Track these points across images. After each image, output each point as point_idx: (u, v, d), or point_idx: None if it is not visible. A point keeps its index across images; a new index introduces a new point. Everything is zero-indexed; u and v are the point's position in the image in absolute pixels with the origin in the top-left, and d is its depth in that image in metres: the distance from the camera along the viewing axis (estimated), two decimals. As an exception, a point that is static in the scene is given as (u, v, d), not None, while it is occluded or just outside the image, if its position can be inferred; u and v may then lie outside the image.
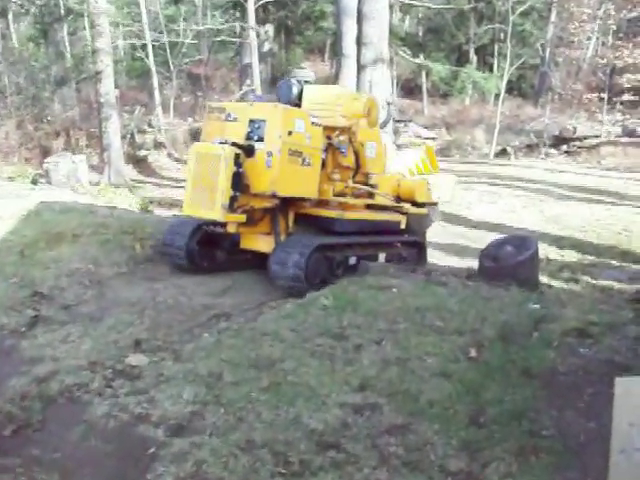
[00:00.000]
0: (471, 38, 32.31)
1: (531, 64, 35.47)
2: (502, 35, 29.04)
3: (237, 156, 5.82)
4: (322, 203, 6.75)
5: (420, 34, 31.80)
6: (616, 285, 9.42)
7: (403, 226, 7.73)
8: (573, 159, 23.20)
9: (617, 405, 3.06)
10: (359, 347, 4.80)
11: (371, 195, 7.36)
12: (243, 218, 6.09)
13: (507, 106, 32.50)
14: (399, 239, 7.61)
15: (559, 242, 11.36)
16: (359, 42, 13.99)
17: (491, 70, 31.17)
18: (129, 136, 20.75)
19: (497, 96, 29.29)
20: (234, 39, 22.33)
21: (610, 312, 5.60)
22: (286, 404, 4.06)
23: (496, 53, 31.84)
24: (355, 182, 7.13)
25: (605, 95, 24.93)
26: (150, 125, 22.63)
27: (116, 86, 18.73)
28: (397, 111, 31.88)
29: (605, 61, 25.53)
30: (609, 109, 25.67)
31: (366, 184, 7.24)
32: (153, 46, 23.81)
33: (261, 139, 5.99)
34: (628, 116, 25.91)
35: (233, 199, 5.87)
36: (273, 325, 5.25)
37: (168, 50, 24.94)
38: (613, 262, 10.48)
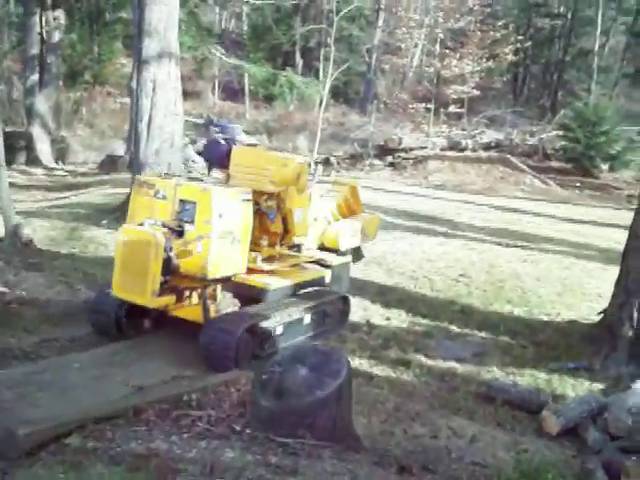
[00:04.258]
0: (296, 40, 29.76)
1: (358, 71, 33.68)
2: (328, 39, 26.60)
3: (167, 241, 5.55)
4: (249, 270, 6.30)
5: (243, 33, 28.71)
6: (459, 368, 6.77)
7: (328, 280, 7.35)
8: (399, 173, 20.95)
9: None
10: None
11: (297, 251, 7.11)
12: (172, 300, 5.88)
13: (332, 113, 30.41)
14: (325, 298, 7.01)
15: (384, 296, 8.55)
16: (140, 30, 10.62)
17: (317, 75, 28.85)
18: None
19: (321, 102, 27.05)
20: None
21: None
22: None
23: (322, 57, 29.49)
24: (281, 244, 6.95)
25: (432, 106, 22.98)
26: None
27: None
28: (214, 116, 28.88)
29: (432, 70, 23.59)
30: (435, 120, 23.82)
31: (292, 246, 7.04)
32: None
33: (191, 221, 5.77)
34: (454, 128, 24.21)
35: (163, 283, 5.61)
36: None
37: None
38: (452, 327, 7.77)
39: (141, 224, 5.70)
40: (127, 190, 11.69)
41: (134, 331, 6.37)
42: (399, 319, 7.90)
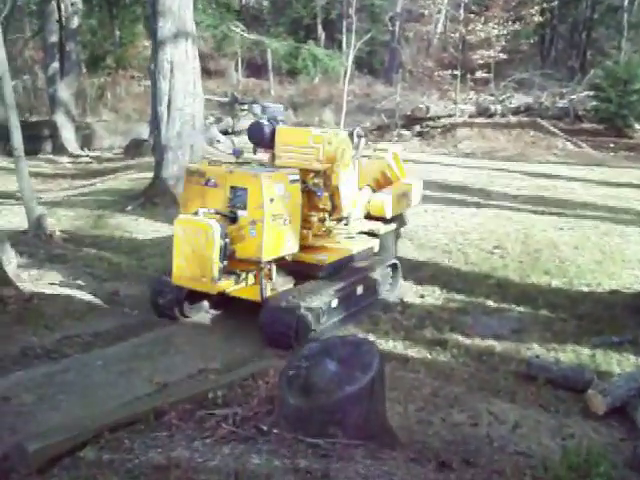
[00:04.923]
0: (317, 12, 29.23)
1: (381, 40, 33.03)
2: (350, 10, 26.00)
3: (222, 228, 5.70)
4: (302, 248, 6.44)
5: (263, 8, 28.25)
6: (497, 345, 6.45)
7: (377, 248, 7.53)
8: (427, 142, 20.38)
9: None
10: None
11: (345, 225, 7.15)
12: (231, 283, 6.01)
13: (358, 84, 29.92)
14: (375, 267, 7.16)
15: (417, 272, 8.25)
16: (154, 11, 10.31)
17: (340, 47, 28.29)
18: None
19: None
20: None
21: None
22: None
23: (344, 29, 28.89)
24: (331, 219, 6.97)
25: (458, 72, 22.35)
26: None
27: None
28: (239, 94, 28.55)
29: (457, 35, 22.89)
30: (462, 87, 23.19)
31: (340, 219, 7.03)
32: None
33: (243, 207, 5.87)
34: (481, 94, 23.56)
35: (221, 269, 5.74)
36: None
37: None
38: (489, 303, 7.45)
39: (195, 213, 5.82)
40: (152, 174, 11.49)
41: (195, 313, 6.66)
42: (433, 296, 7.61)
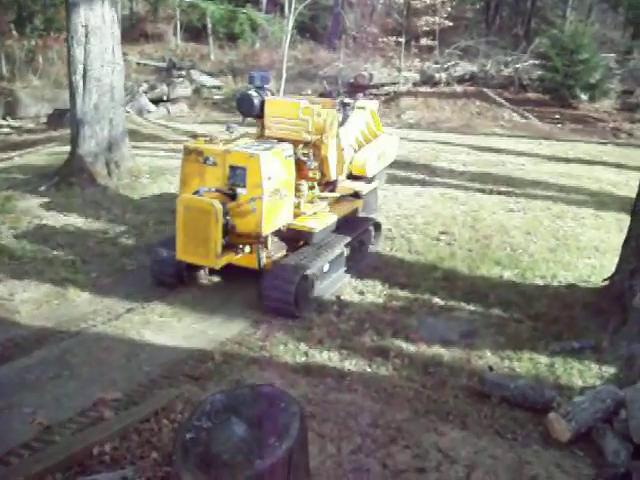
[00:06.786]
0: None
1: (325, 5, 31.83)
2: (291, -28, 24.76)
3: (223, 206, 5.85)
4: (294, 215, 6.66)
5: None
6: (445, 354, 5.67)
7: (361, 209, 7.82)
8: (371, 112, 19.46)
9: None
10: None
11: (332, 190, 7.40)
12: (232, 257, 6.24)
13: (300, 50, 28.81)
14: (361, 228, 7.47)
15: (356, 263, 7.39)
16: (64, -35, 9.13)
17: (282, 11, 27.03)
18: None
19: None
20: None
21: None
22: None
23: (290, -8, 27.63)
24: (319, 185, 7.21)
25: (402, 39, 21.44)
26: None
27: None
28: (177, 58, 27.16)
29: (401, 1, 21.92)
30: (406, 54, 22.31)
31: (328, 183, 7.28)
32: None
33: (243, 185, 6.03)
34: (426, 62, 22.72)
35: (223, 245, 5.95)
36: None
37: None
38: (436, 300, 6.62)
39: (196, 192, 5.95)
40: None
41: (193, 281, 6.82)
42: (374, 292, 6.76)
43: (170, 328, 5.88)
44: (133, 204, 9.08)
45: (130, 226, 8.31)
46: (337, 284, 6.90)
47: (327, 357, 5.48)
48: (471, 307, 6.50)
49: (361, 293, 6.75)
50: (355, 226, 7.40)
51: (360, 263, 7.33)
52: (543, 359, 5.57)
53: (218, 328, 5.93)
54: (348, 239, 7.06)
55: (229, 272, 6.54)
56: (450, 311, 6.45)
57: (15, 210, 8.73)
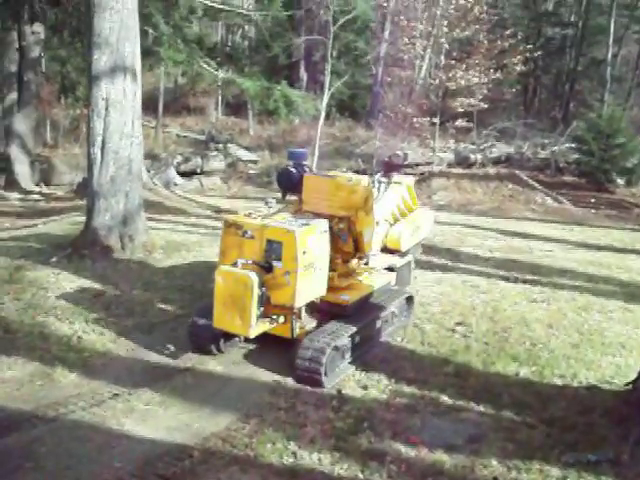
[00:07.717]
0: (291, 52, 28.44)
1: (365, 84, 32.17)
2: (333, 53, 25.11)
3: (259, 278, 6.02)
4: (328, 288, 6.74)
5: (238, 46, 27.31)
6: (447, 461, 5.17)
7: (394, 283, 8.02)
8: (402, 192, 19.25)
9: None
10: None
11: (366, 263, 7.51)
12: (267, 326, 6.35)
13: (338, 127, 29.07)
14: (394, 301, 7.57)
15: (363, 353, 6.97)
16: (89, 42, 9.14)
17: (322, 88, 27.34)
18: None
19: (328, 116, 25.53)
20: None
21: None
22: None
23: (328, 71, 27.96)
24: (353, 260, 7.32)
25: (437, 119, 21.36)
26: None
27: None
28: (215, 131, 27.50)
29: (437, 82, 21.93)
30: (442, 135, 22.20)
31: (362, 257, 7.37)
32: None
33: (278, 258, 6.20)
34: (462, 143, 22.59)
35: (258, 316, 6.09)
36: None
37: None
38: (444, 398, 6.14)
39: (234, 264, 6.19)
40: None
41: (230, 348, 7.03)
42: (378, 387, 6.30)
43: (154, 418, 5.51)
44: (142, 280, 8.82)
45: (134, 303, 8.05)
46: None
47: (317, 459, 5.03)
48: (481, 408, 6.00)
49: (364, 387, 6.31)
50: (387, 299, 7.50)
51: (369, 353, 7.09)
52: (555, 471, 5.04)
53: (205, 420, 5.55)
54: (380, 312, 7.20)
55: (262, 341, 6.69)
56: (458, 411, 5.95)
57: (23, 280, 8.54)
